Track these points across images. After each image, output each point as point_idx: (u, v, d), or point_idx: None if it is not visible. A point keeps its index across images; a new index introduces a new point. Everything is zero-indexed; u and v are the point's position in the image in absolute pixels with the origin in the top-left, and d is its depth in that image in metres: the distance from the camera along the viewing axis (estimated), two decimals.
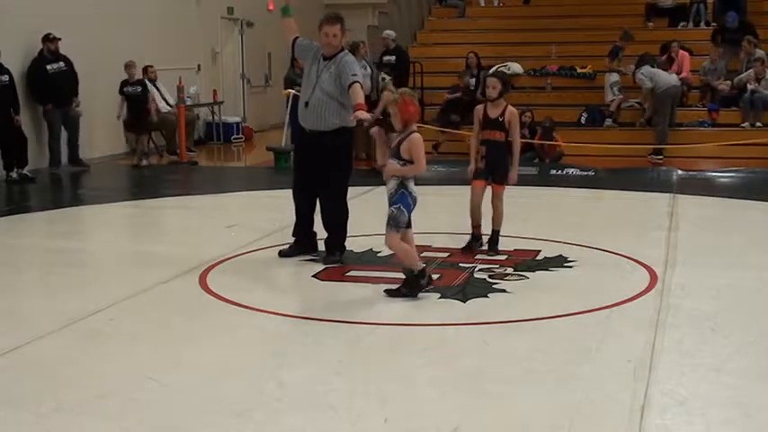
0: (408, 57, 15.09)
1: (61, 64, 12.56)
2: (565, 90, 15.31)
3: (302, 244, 7.05)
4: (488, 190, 7.19)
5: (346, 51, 6.89)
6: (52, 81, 12.40)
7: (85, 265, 7.21)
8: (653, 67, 13.68)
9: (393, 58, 14.50)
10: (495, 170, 7.08)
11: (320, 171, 6.81)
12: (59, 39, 12.47)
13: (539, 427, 3.88)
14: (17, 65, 12.13)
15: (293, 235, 7.11)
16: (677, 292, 6.00)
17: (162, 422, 3.95)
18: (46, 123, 12.54)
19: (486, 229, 7.22)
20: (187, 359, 4.81)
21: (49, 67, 12.44)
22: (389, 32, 14.91)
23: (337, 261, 6.84)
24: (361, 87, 6.66)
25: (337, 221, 6.91)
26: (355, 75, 6.65)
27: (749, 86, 13.77)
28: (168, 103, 14.23)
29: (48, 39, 12.42)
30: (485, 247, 7.15)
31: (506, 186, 7.16)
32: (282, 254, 7.04)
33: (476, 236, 7.18)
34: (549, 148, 13.05)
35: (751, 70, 13.89)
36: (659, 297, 5.87)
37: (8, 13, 11.93)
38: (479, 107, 7.22)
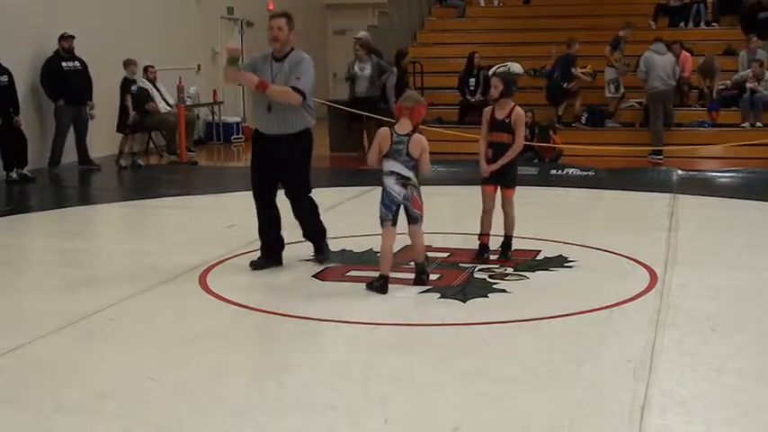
0: (382, 57, 15.03)
1: (77, 63, 12.64)
2: None
3: (272, 253, 6.80)
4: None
5: (299, 51, 6.60)
6: (67, 79, 12.46)
7: (85, 265, 7.21)
8: (655, 52, 13.47)
9: None
10: (503, 174, 6.87)
11: (284, 175, 6.64)
12: (74, 37, 12.54)
13: (539, 427, 3.89)
14: (21, 65, 12.14)
15: (262, 248, 6.82)
16: (677, 292, 6.00)
17: (162, 422, 3.95)
18: (55, 121, 12.55)
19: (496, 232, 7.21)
20: (187, 359, 4.81)
21: (64, 64, 12.52)
22: (364, 33, 14.94)
23: (327, 258, 6.84)
24: (300, 94, 6.36)
25: (310, 215, 6.80)
26: (299, 79, 6.39)
27: (748, 85, 13.78)
28: (168, 103, 14.24)
29: (63, 37, 12.52)
30: (494, 257, 6.94)
31: (515, 190, 6.97)
32: (255, 265, 6.73)
33: (484, 246, 6.97)
34: (547, 147, 13.05)
35: (749, 70, 13.90)
36: (659, 297, 5.87)
37: (7, 13, 11.94)
38: (488, 108, 7.02)
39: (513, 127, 6.82)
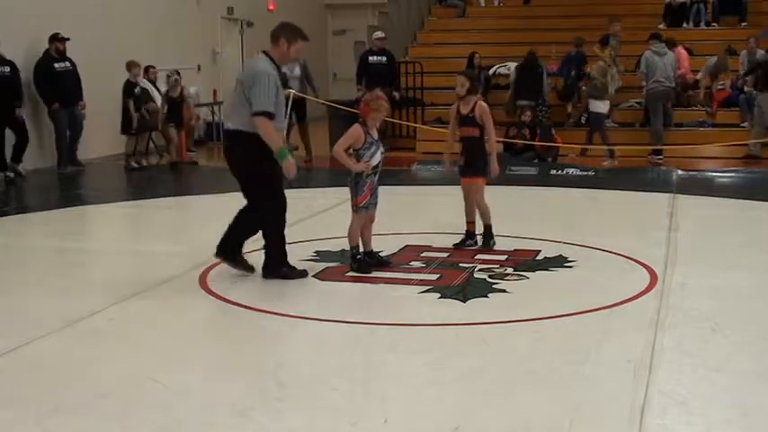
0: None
1: (67, 64, 12.58)
2: None
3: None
4: None
5: None
6: (60, 80, 12.39)
7: (85, 265, 7.21)
8: (655, 52, 13.43)
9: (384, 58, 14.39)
10: (471, 165, 7.24)
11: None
12: (68, 39, 12.45)
13: (539, 427, 3.88)
14: (19, 64, 12.14)
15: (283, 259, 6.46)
16: (677, 292, 6.00)
17: (162, 422, 3.95)
18: (53, 124, 12.52)
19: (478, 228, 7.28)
20: (187, 359, 4.81)
21: (56, 65, 12.43)
22: (380, 33, 14.90)
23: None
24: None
25: (246, 226, 6.61)
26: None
27: (746, 89, 13.79)
28: None
29: (56, 38, 12.38)
30: (478, 246, 7.25)
31: (484, 179, 7.27)
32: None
33: (469, 233, 7.32)
34: (548, 147, 13.03)
35: (751, 76, 13.89)
36: (659, 297, 5.87)
37: (6, 13, 11.93)
38: (454, 105, 7.39)
39: (478, 121, 7.14)
